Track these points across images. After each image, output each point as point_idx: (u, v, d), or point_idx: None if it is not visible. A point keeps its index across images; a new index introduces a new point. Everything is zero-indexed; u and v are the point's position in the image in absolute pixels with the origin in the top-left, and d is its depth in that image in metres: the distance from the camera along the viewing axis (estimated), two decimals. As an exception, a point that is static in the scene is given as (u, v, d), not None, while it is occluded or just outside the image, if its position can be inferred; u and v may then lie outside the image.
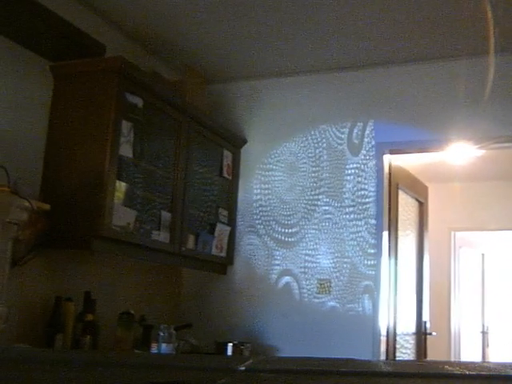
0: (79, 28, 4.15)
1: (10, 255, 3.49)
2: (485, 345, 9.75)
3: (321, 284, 5.09)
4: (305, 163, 5.30)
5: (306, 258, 5.17)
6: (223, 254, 5.21)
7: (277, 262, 5.25)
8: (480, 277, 9.83)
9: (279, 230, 5.29)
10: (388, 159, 5.20)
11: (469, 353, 9.03)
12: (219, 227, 5.13)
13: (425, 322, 5.97)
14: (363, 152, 5.14)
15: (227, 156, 5.32)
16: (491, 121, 4.83)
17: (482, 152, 5.80)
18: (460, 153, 5.88)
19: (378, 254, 4.97)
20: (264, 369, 1.12)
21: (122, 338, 4.33)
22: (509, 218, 8.11)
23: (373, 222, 5.01)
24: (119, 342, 4.32)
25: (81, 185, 3.94)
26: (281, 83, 5.52)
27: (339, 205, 5.14)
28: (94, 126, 4.01)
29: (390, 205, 5.22)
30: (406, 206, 5.78)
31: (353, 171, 5.14)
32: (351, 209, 5.09)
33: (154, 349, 4.42)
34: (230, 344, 4.90)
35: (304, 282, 5.14)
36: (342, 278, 5.03)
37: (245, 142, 5.49)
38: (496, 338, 9.92)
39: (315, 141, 5.31)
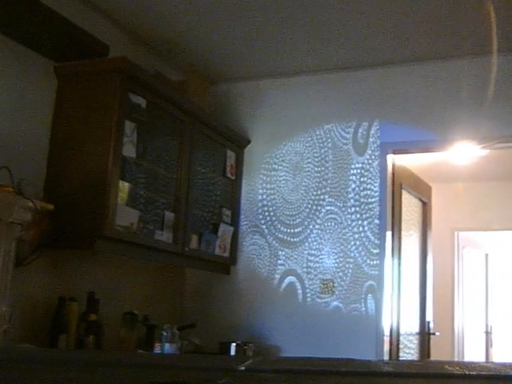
0: (83, 28, 4.16)
1: (13, 255, 3.49)
2: (488, 345, 9.73)
3: (324, 284, 5.09)
4: (309, 163, 5.30)
5: (310, 258, 5.17)
6: (226, 254, 5.21)
7: (280, 262, 5.25)
8: (484, 277, 9.81)
9: (283, 230, 5.30)
10: (391, 159, 5.20)
11: (472, 353, 9.01)
12: (222, 227, 5.13)
13: (428, 322, 5.97)
14: (368, 152, 5.14)
15: (230, 156, 5.33)
16: (495, 121, 4.83)
17: (485, 152, 5.80)
18: (463, 153, 5.88)
19: (382, 254, 4.97)
20: (264, 369, 1.12)
21: (125, 338, 4.34)
22: (513, 218, 8.11)
23: (377, 221, 5.01)
24: (123, 341, 4.33)
25: (84, 185, 3.95)
26: (284, 83, 5.52)
27: (343, 205, 5.14)
28: (98, 126, 4.01)
29: (393, 205, 5.22)
30: (410, 205, 5.78)
31: (357, 171, 5.14)
32: (355, 209, 5.09)
33: (157, 349, 4.42)
34: (234, 344, 4.90)
35: (307, 282, 5.14)
36: (345, 278, 5.03)
37: (248, 142, 5.49)
38: (500, 338, 9.90)
39: (320, 141, 5.31)
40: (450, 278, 8.60)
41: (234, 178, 5.36)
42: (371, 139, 5.15)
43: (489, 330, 9.81)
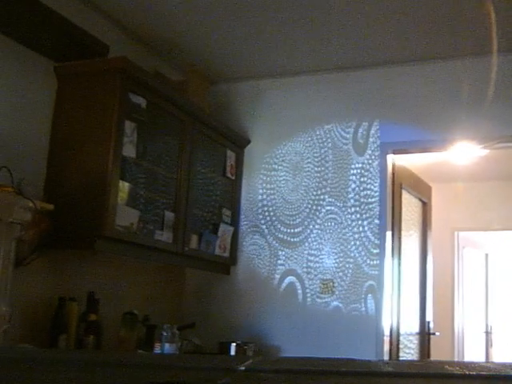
0: (82, 28, 4.16)
1: (13, 255, 3.49)
2: (488, 345, 9.74)
3: (324, 284, 5.09)
4: (309, 163, 5.30)
5: (310, 258, 5.17)
6: (226, 254, 5.21)
7: (280, 262, 5.25)
8: (484, 277, 9.81)
9: (283, 229, 5.30)
10: (391, 159, 5.20)
11: (472, 353, 9.01)
12: (222, 227, 5.14)
13: (428, 322, 5.97)
14: (368, 152, 5.14)
15: (230, 156, 5.33)
16: (495, 120, 4.83)
17: (485, 152, 5.79)
18: (463, 153, 5.87)
19: (382, 254, 4.97)
20: (264, 369, 1.12)
21: (125, 338, 4.34)
22: (513, 218, 8.11)
23: (377, 221, 5.01)
24: (123, 342, 4.33)
25: (84, 185, 3.95)
26: (285, 83, 5.52)
27: (343, 205, 5.14)
28: (98, 126, 4.01)
29: (393, 205, 5.22)
30: (410, 205, 5.78)
31: (357, 171, 5.14)
32: (355, 209, 5.09)
33: (157, 349, 4.42)
34: (234, 344, 4.90)
35: (307, 282, 5.14)
36: (345, 278, 5.04)
37: (248, 142, 5.49)
38: (500, 338, 9.90)
39: (320, 141, 5.31)
40: (450, 278, 8.60)
41: (233, 177, 5.36)
42: (371, 139, 5.15)
43: (489, 329, 9.82)
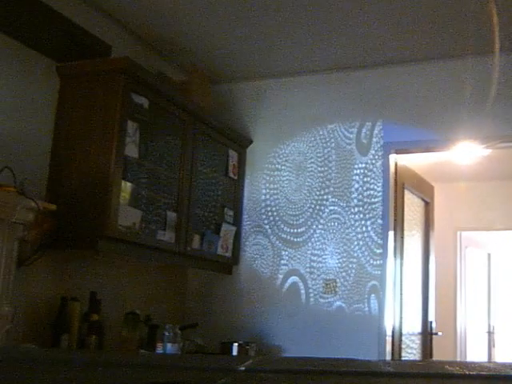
0: (85, 28, 4.17)
1: (15, 255, 3.50)
2: (491, 345, 9.73)
3: (326, 284, 5.09)
4: (312, 163, 5.30)
5: (313, 257, 5.17)
6: (228, 254, 5.22)
7: (283, 262, 5.25)
8: (486, 277, 9.80)
9: (286, 229, 5.30)
10: (394, 159, 5.20)
11: (475, 353, 9.01)
12: (224, 227, 5.14)
13: (431, 322, 5.97)
14: (372, 152, 5.14)
15: (233, 156, 5.33)
16: (497, 120, 4.82)
17: (488, 151, 5.78)
18: (466, 152, 5.86)
19: (384, 254, 4.97)
20: (264, 369, 1.12)
21: (127, 338, 4.34)
22: (515, 217, 8.11)
23: (380, 221, 5.01)
24: (125, 342, 4.33)
25: (86, 185, 3.95)
26: (287, 83, 5.52)
27: (346, 205, 5.13)
28: (100, 126, 4.02)
29: (395, 205, 5.22)
30: (412, 205, 5.77)
31: (361, 171, 5.13)
32: (358, 209, 5.09)
33: (159, 349, 4.43)
34: (236, 344, 4.90)
35: (310, 282, 5.14)
36: (348, 278, 5.03)
37: (250, 141, 5.49)
38: (502, 338, 9.89)
39: (323, 140, 5.31)
40: (453, 278, 8.59)
41: (236, 177, 5.36)
42: (374, 139, 5.15)
43: (491, 329, 9.81)
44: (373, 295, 4.94)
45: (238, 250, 5.35)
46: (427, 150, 5.33)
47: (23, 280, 3.74)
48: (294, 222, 5.28)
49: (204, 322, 5.27)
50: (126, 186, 4.08)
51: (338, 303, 5.03)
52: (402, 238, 5.35)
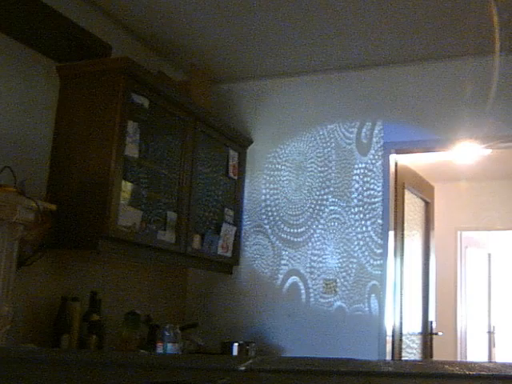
0: (85, 28, 4.17)
1: (16, 255, 3.50)
2: (491, 345, 9.72)
3: (326, 284, 5.09)
4: (312, 163, 5.30)
5: (313, 257, 5.17)
6: (229, 254, 5.22)
7: (283, 262, 5.25)
8: (486, 277, 9.79)
9: (286, 229, 5.30)
10: (394, 159, 5.20)
11: (475, 353, 9.00)
12: (225, 227, 5.14)
13: (431, 322, 5.97)
14: (372, 152, 5.14)
15: (233, 156, 5.33)
16: (498, 120, 4.82)
17: (488, 151, 5.79)
18: (466, 152, 5.87)
19: (384, 254, 4.97)
20: (264, 369, 1.12)
21: (127, 338, 4.34)
22: (516, 217, 8.10)
23: (380, 221, 5.01)
24: (125, 341, 4.33)
25: (87, 185, 3.95)
26: (287, 83, 5.52)
27: (347, 205, 5.14)
28: (100, 126, 4.02)
29: (396, 205, 5.22)
30: (413, 205, 5.77)
31: (361, 171, 5.14)
32: (359, 209, 5.09)
33: (159, 349, 4.43)
34: (236, 344, 4.90)
35: (310, 282, 5.14)
36: (348, 278, 5.03)
37: (251, 141, 5.49)
38: (502, 338, 9.89)
39: (323, 140, 5.31)
40: (453, 278, 8.59)
41: (236, 177, 5.36)
42: (374, 139, 5.15)
43: (491, 329, 9.80)
44: (373, 295, 4.94)
45: (238, 250, 5.35)
46: (427, 149, 5.33)
47: (23, 280, 3.74)
48: (294, 222, 5.28)
49: (204, 322, 5.27)
50: (127, 186, 4.08)
51: (338, 303, 5.03)
52: (403, 237, 5.35)
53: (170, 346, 4.42)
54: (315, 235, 5.19)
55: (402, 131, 5.09)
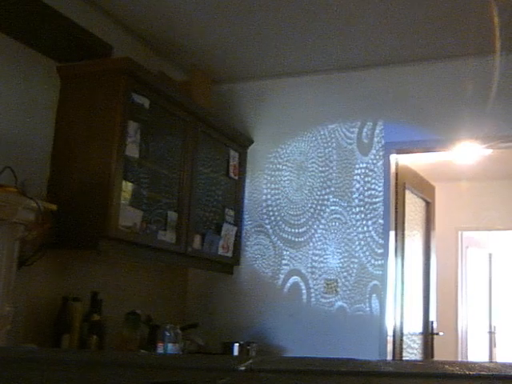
0: (86, 28, 4.16)
1: (16, 255, 3.50)
2: (492, 345, 9.72)
3: (328, 284, 5.09)
4: (313, 163, 5.30)
5: (314, 257, 5.17)
6: (229, 254, 5.22)
7: (284, 262, 5.25)
8: (487, 277, 9.79)
9: (287, 229, 5.30)
10: (395, 159, 5.20)
11: (476, 353, 9.00)
12: (225, 227, 5.14)
13: (432, 322, 5.97)
14: (373, 152, 5.14)
15: (234, 156, 5.33)
16: (498, 120, 4.82)
17: (489, 151, 5.79)
18: (467, 152, 5.87)
19: (385, 254, 4.97)
20: (264, 369, 1.12)
21: (128, 338, 4.34)
22: (516, 217, 8.10)
23: (381, 221, 5.01)
24: (126, 342, 4.33)
25: (87, 185, 3.95)
26: (288, 83, 5.52)
27: (348, 205, 5.13)
28: (101, 126, 4.02)
29: (396, 204, 5.22)
30: (413, 205, 5.77)
31: (362, 171, 5.13)
32: (360, 209, 5.09)
33: (160, 349, 4.43)
34: (237, 344, 4.90)
35: (312, 282, 5.14)
36: (349, 277, 5.03)
37: (251, 142, 5.49)
38: (503, 338, 9.89)
39: (324, 140, 5.31)
40: (454, 278, 8.59)
41: (237, 178, 5.36)
42: (375, 139, 5.15)
43: (492, 329, 9.80)
44: (374, 295, 4.94)
45: (239, 250, 5.35)
46: (428, 149, 5.32)
47: (24, 280, 3.74)
48: (295, 222, 5.28)
49: (205, 322, 5.27)
50: (127, 186, 4.08)
51: (339, 303, 5.03)
52: (403, 237, 5.35)
53: (170, 346, 4.42)
54: (316, 235, 5.19)
55: (403, 131, 5.09)
